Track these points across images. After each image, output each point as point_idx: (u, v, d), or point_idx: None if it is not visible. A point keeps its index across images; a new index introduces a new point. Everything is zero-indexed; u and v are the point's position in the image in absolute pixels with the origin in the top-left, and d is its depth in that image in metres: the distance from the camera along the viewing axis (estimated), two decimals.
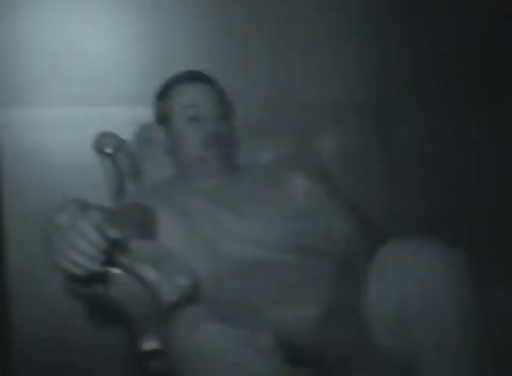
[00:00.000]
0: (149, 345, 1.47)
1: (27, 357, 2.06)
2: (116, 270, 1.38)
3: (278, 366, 1.37)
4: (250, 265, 1.75)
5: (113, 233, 1.19)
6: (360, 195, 2.11)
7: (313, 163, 2.13)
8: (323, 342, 1.58)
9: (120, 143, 2.04)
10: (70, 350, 2.05)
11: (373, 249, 1.60)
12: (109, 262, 1.24)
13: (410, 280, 1.47)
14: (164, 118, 1.95)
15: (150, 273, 1.42)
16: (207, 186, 1.91)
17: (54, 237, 1.17)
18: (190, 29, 2.27)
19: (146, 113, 2.01)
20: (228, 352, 1.32)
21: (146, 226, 1.67)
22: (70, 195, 1.82)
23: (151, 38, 2.26)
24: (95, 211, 1.17)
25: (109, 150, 2.02)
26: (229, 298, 1.68)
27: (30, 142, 2.15)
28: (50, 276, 1.82)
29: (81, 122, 2.15)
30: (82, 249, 1.15)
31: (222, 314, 1.48)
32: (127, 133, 2.08)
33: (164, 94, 1.96)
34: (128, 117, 2.12)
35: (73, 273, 1.19)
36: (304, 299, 1.65)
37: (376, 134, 2.34)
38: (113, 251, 1.25)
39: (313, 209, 1.93)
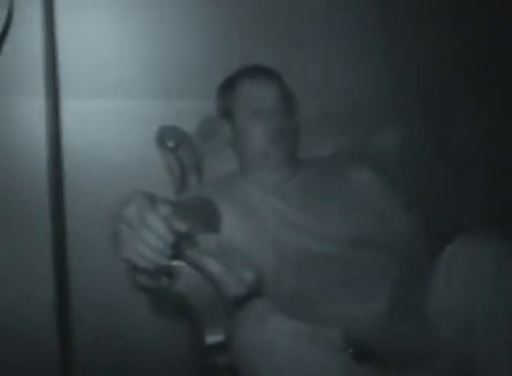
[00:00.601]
0: (214, 338, 1.47)
1: (89, 350, 2.08)
2: (181, 264, 1.39)
3: (345, 362, 1.36)
4: (313, 259, 1.74)
5: (181, 227, 1.19)
6: (421, 193, 2.09)
7: (375, 159, 2.12)
8: (386, 339, 1.57)
9: (182, 137, 2.05)
10: (133, 344, 2.07)
11: (436, 248, 1.58)
12: (176, 255, 1.25)
13: (478, 281, 1.45)
14: (227, 112, 1.96)
15: (215, 267, 1.42)
16: (269, 180, 1.91)
17: (122, 230, 1.18)
18: (254, 23, 2.27)
19: (208, 106, 2.02)
20: (296, 346, 1.32)
21: (209, 220, 1.68)
22: (131, 189, 1.86)
23: (214, 31, 2.26)
24: (163, 204, 1.18)
25: (171, 144, 2.03)
26: (292, 293, 1.68)
27: (92, 135, 2.18)
28: (113, 270, 1.85)
29: (144, 116, 2.16)
30: (150, 242, 1.15)
31: (285, 308, 1.48)
32: (189, 127, 2.09)
33: (227, 88, 1.97)
34: (190, 110, 2.13)
35: (140, 266, 1.20)
36: (367, 294, 1.64)
37: (437, 132, 2.31)
38: (179, 245, 1.25)
39: (375, 204, 1.92)
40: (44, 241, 2.10)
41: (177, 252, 1.26)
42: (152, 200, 1.18)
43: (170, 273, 1.37)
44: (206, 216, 1.67)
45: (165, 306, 1.77)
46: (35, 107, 2.13)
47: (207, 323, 1.50)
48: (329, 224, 1.83)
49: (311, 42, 2.32)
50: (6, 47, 2.15)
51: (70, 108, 2.16)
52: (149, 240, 1.15)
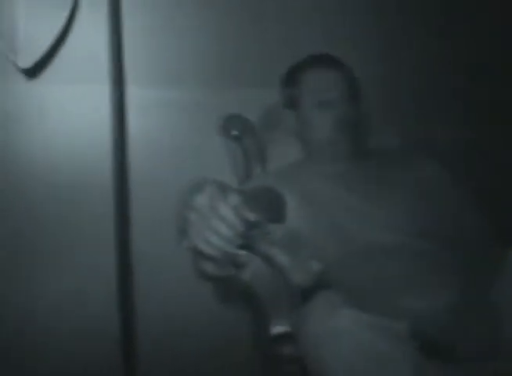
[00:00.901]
0: (279, 329, 1.48)
1: (152, 339, 2.10)
2: (249, 253, 1.39)
3: (412, 355, 1.35)
4: (379, 250, 1.73)
5: (251, 216, 1.19)
6: (485, 188, 2.06)
7: (440, 151, 2.09)
8: (454, 333, 1.55)
9: (246, 126, 2.05)
10: (197, 333, 2.08)
11: (504, 245, 1.55)
12: (245, 245, 1.24)
13: None
14: (292, 102, 1.95)
15: (282, 257, 1.42)
16: (335, 170, 1.90)
17: (191, 218, 1.18)
18: (319, 11, 2.25)
19: (273, 95, 2.00)
20: (364, 339, 1.31)
21: (274, 209, 1.68)
22: (194, 177, 1.86)
23: (278, 20, 2.25)
24: (234, 193, 1.18)
25: (235, 133, 2.03)
26: (357, 284, 1.66)
27: (156, 123, 2.19)
28: (177, 258, 1.86)
29: (208, 104, 2.17)
30: (220, 231, 1.15)
31: (351, 300, 1.47)
32: (253, 115, 2.08)
33: (292, 77, 1.96)
34: (254, 99, 2.12)
35: (208, 255, 1.20)
36: (435, 287, 1.62)
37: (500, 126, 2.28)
38: (249, 234, 1.25)
39: (441, 196, 1.89)
40: (107, 229, 2.12)
41: (246, 242, 1.26)
42: (223, 188, 1.18)
43: (237, 263, 1.37)
44: (271, 205, 1.67)
45: (230, 296, 1.77)
46: (101, 95, 2.16)
47: (272, 313, 1.50)
48: (395, 214, 1.80)
49: None
50: (73, 36, 2.18)
51: (135, 96, 2.17)
52: (220, 228, 1.15)
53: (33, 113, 2.19)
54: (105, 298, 2.10)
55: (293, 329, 1.45)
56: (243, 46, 2.24)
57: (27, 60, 2.15)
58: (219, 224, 1.15)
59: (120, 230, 2.11)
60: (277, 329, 1.48)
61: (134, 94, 2.18)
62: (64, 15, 2.17)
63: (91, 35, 2.19)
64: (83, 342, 2.10)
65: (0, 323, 2.08)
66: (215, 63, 2.23)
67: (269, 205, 1.65)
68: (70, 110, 2.18)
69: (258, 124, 2.11)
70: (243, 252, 1.35)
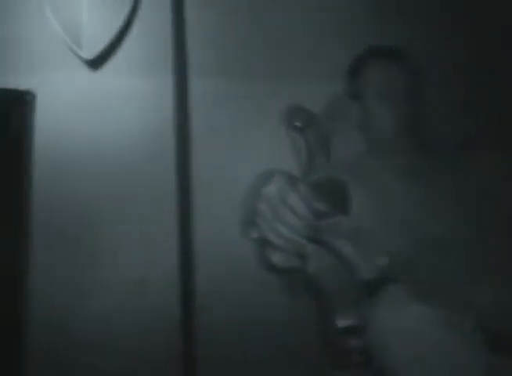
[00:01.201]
0: (345, 321, 1.47)
1: (213, 330, 2.11)
2: (316, 245, 1.39)
3: (480, 349, 1.34)
4: (443, 243, 1.71)
5: (320, 208, 1.19)
6: None
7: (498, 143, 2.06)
8: None
9: (309, 117, 2.05)
10: (260, 324, 2.07)
11: None
12: (314, 236, 1.24)
13: None
14: (355, 94, 1.93)
15: (348, 249, 1.42)
16: (398, 162, 1.88)
17: (260, 209, 1.18)
18: (381, 3, 2.24)
19: (336, 87, 1.99)
20: (433, 333, 1.30)
21: (340, 201, 1.67)
22: (257, 168, 1.86)
23: (340, 12, 2.24)
24: (303, 184, 1.18)
25: (299, 124, 2.02)
26: (424, 278, 1.65)
27: (219, 114, 2.20)
28: (239, 249, 1.87)
29: (271, 96, 2.17)
30: (290, 222, 1.15)
31: (418, 294, 1.46)
32: (316, 107, 2.07)
33: (355, 69, 1.94)
34: (318, 91, 2.11)
35: (277, 246, 1.20)
36: (500, 281, 1.60)
37: None
38: (318, 226, 1.25)
39: (502, 189, 1.86)
40: (169, 219, 2.13)
41: (313, 233, 1.25)
42: (291, 179, 1.18)
43: (304, 254, 1.37)
44: (337, 197, 1.66)
45: (295, 287, 1.77)
46: (164, 86, 2.17)
47: (338, 306, 1.49)
48: (459, 208, 1.78)
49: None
50: (136, 28, 2.20)
51: (197, 87, 2.18)
52: (289, 219, 1.15)
53: (96, 104, 2.21)
54: (166, 289, 2.11)
55: (359, 322, 1.44)
56: (307, 38, 2.23)
57: (91, 52, 2.19)
58: (289, 215, 1.15)
59: (182, 221, 2.13)
60: (344, 322, 1.48)
61: (196, 85, 2.19)
62: (127, 6, 2.19)
63: (153, 26, 2.21)
64: (143, 333, 2.10)
65: (60, 316, 2.09)
66: (279, 55, 2.23)
67: (335, 197, 1.64)
68: (133, 101, 2.20)
69: (322, 116, 2.10)
70: (310, 243, 1.35)
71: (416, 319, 1.31)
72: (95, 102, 2.20)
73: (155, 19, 2.22)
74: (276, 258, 1.35)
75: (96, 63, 2.20)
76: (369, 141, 1.96)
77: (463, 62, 2.30)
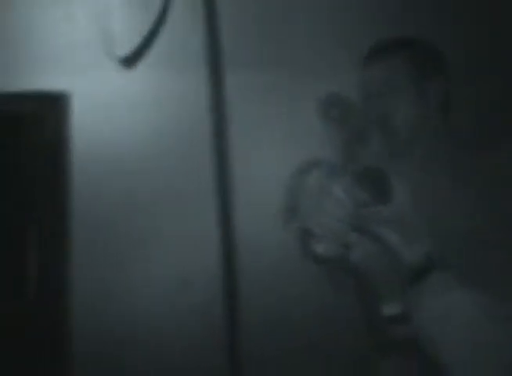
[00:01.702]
0: (391, 310, 1.47)
1: (257, 320, 2.11)
2: (359, 233, 1.39)
3: None
4: (484, 233, 1.70)
5: (362, 197, 1.19)
6: None
7: None
8: None
9: (346, 107, 2.04)
10: (303, 314, 2.08)
11: None
12: (356, 225, 1.25)
13: None
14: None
15: (393, 237, 1.41)
16: (430, 154, 1.87)
17: (302, 199, 1.19)
18: None
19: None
20: (479, 321, 1.29)
21: (381, 190, 1.67)
22: (298, 160, 1.87)
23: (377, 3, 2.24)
24: (345, 173, 1.18)
25: (335, 114, 2.02)
26: (470, 264, 1.64)
27: (254, 107, 2.20)
28: (281, 239, 1.88)
29: (307, 86, 2.16)
30: (332, 212, 1.16)
31: (463, 281, 1.45)
32: (353, 97, 2.07)
33: (365, 62, 1.93)
34: (354, 81, 2.10)
35: (320, 236, 1.21)
36: None
37: None
38: (360, 215, 1.25)
39: None
40: (210, 213, 2.15)
41: (358, 222, 1.26)
42: (334, 170, 1.19)
43: (347, 244, 1.37)
44: (379, 186, 1.66)
45: (339, 277, 1.77)
46: (199, 81, 2.18)
47: (384, 294, 1.49)
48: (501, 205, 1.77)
49: None
50: (168, 24, 2.21)
51: (232, 81, 2.19)
52: (332, 209, 1.16)
53: (131, 101, 2.22)
54: (209, 284, 2.12)
55: (406, 310, 1.44)
56: (345, 27, 2.23)
57: (124, 50, 2.20)
58: (331, 204, 1.15)
59: (223, 214, 2.13)
60: (390, 310, 1.48)
61: (231, 78, 2.19)
62: (159, 3, 2.20)
63: (186, 22, 2.22)
64: (187, 328, 2.12)
65: (103, 313, 2.12)
66: (315, 45, 2.22)
67: (377, 186, 1.64)
68: (168, 97, 2.21)
69: (358, 106, 2.09)
70: (353, 233, 1.35)
71: (464, 306, 1.30)
72: (129, 99, 2.22)
73: (187, 14, 2.23)
74: (320, 249, 1.35)
75: (130, 60, 2.21)
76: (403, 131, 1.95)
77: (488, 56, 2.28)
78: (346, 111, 2.01)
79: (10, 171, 2.18)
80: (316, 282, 1.95)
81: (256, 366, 2.09)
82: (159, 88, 2.23)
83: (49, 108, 2.19)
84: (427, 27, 2.12)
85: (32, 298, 2.11)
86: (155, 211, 2.17)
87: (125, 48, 2.20)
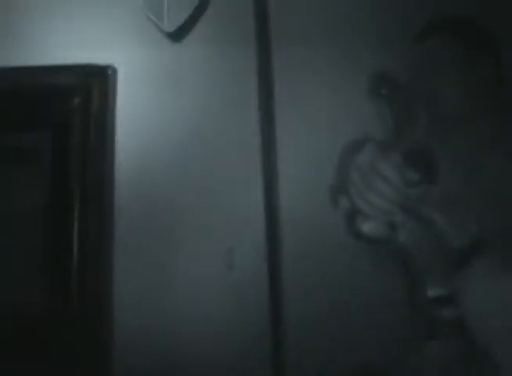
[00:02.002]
0: (437, 291, 1.46)
1: (299, 301, 2.11)
2: (407, 213, 1.38)
3: None
4: None
5: (412, 176, 1.18)
6: None
7: None
8: None
9: (396, 85, 2.02)
10: (348, 295, 2.07)
11: None
12: (405, 204, 1.24)
13: None
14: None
15: (440, 218, 1.40)
16: (484, 128, 1.84)
17: (352, 178, 1.18)
18: None
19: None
20: None
21: (430, 170, 1.65)
22: (340, 137, 1.85)
23: None
24: (394, 152, 1.17)
25: (384, 92, 2.00)
26: None
27: (303, 84, 2.19)
28: (327, 217, 1.87)
29: (355, 63, 2.14)
30: (382, 191, 1.15)
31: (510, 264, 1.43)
32: (403, 74, 2.04)
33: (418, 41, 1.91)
34: (404, 58, 2.08)
35: (368, 215, 1.20)
36: None
37: None
38: (409, 194, 1.24)
39: None
40: (255, 190, 2.15)
41: (405, 201, 1.25)
42: (383, 148, 1.17)
43: (394, 224, 1.36)
44: (427, 165, 1.64)
45: (385, 257, 1.76)
46: (246, 57, 2.18)
47: (429, 276, 1.48)
48: None
49: None
50: None
51: (281, 57, 2.18)
52: (381, 188, 1.15)
53: (178, 76, 2.23)
54: (254, 261, 2.13)
55: (451, 292, 1.43)
56: (394, 5, 2.19)
57: (173, 24, 2.20)
58: (380, 183, 1.15)
59: (268, 191, 2.13)
60: (435, 292, 1.46)
61: (280, 54, 2.18)
62: None
63: None
64: (232, 305, 2.13)
65: (147, 289, 2.14)
66: (364, 21, 2.20)
67: (426, 165, 1.62)
68: (216, 72, 2.21)
69: (408, 83, 2.07)
70: (401, 213, 1.34)
71: (509, 289, 1.29)
72: (177, 74, 2.22)
73: None
74: (366, 228, 1.34)
75: (178, 35, 2.22)
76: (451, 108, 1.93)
77: None
78: (396, 88, 1.98)
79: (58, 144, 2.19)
80: (361, 261, 1.95)
81: (299, 341, 2.09)
82: (205, 63, 2.22)
83: (96, 82, 2.19)
84: (480, 5, 2.07)
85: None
86: (201, 186, 2.18)
87: (174, 22, 2.19)
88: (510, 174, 1.74)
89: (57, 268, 2.13)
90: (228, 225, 2.15)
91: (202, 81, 2.21)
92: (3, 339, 2.05)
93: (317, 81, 2.18)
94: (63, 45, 2.21)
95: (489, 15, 1.92)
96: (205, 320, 2.12)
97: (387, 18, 2.19)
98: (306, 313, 2.10)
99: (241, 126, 2.18)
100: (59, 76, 2.19)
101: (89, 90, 2.19)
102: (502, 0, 2.19)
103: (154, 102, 2.22)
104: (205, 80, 2.21)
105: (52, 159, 2.18)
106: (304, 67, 2.18)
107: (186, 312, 2.13)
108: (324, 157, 2.04)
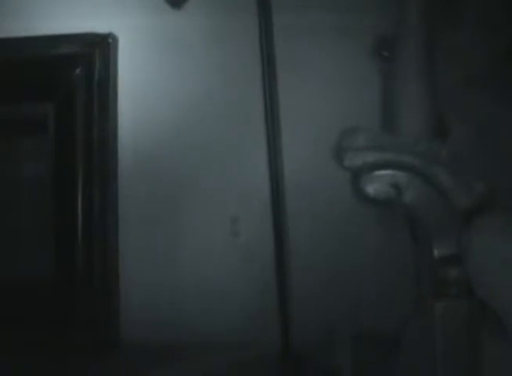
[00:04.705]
0: (443, 251, 1.45)
1: (304, 262, 2.10)
2: (412, 173, 1.37)
3: None
4: None
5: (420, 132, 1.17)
6: None
7: None
8: None
9: (398, 47, 2.00)
10: (358, 256, 2.06)
11: None
12: (409, 163, 1.23)
13: None
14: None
15: (445, 177, 1.40)
16: (494, 89, 1.83)
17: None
18: None
19: None
20: None
21: (437, 128, 1.64)
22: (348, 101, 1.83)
23: None
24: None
25: (386, 54, 1.99)
26: None
27: (305, 51, 2.16)
28: (331, 179, 1.86)
29: (356, 27, 2.12)
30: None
31: None
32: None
33: None
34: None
35: (371, 176, 1.19)
36: None
37: None
38: (414, 151, 1.23)
39: None
40: (259, 155, 2.15)
41: (412, 160, 1.24)
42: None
43: (398, 184, 1.35)
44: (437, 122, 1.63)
45: (391, 218, 1.75)
46: (247, 24, 2.16)
47: (435, 235, 1.47)
48: None
49: None
50: None
51: (281, 23, 2.16)
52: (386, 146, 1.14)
53: (179, 44, 2.21)
54: (259, 226, 2.13)
55: (458, 251, 1.43)
56: None
57: None
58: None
59: (272, 155, 2.13)
60: (442, 251, 1.46)
61: (280, 21, 2.15)
62: None
63: None
64: (237, 270, 2.13)
65: (155, 255, 2.14)
66: None
67: (434, 123, 1.61)
68: (217, 40, 2.19)
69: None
70: (406, 173, 1.33)
71: None
72: (178, 40, 2.20)
73: None
74: (371, 189, 1.33)
75: (178, 1, 2.18)
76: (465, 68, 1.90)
77: None
78: (397, 51, 1.97)
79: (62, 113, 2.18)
80: (367, 223, 1.94)
81: (305, 305, 2.10)
82: (206, 28, 2.20)
83: (98, 50, 2.18)
84: None
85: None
86: (204, 150, 2.17)
87: None
88: None
89: (63, 237, 2.14)
90: (232, 191, 2.15)
91: (203, 47, 2.19)
92: (9, 307, 2.07)
93: (318, 44, 2.16)
94: (63, 14, 2.18)
95: None
96: (211, 286, 2.13)
97: None
98: (312, 277, 2.10)
99: (243, 91, 2.17)
100: (60, 46, 2.17)
101: (91, 59, 2.17)
102: None
103: (156, 69, 2.21)
104: (206, 46, 2.19)
105: (56, 128, 2.17)
106: (304, 32, 2.15)
107: (192, 280, 2.14)
108: (327, 121, 2.04)
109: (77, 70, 2.16)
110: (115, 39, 2.19)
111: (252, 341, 2.05)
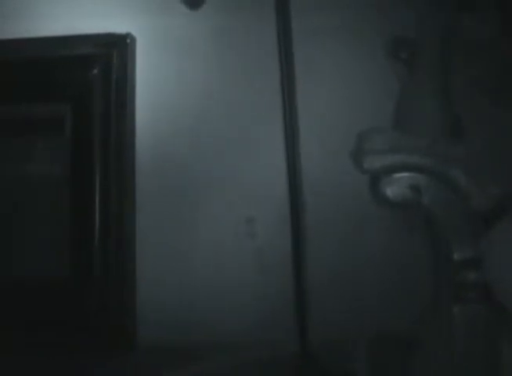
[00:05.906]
0: (462, 254, 1.45)
1: (321, 261, 2.11)
2: (430, 176, 1.36)
3: None
4: None
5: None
6: None
7: None
8: None
9: (415, 48, 2.00)
10: (375, 259, 2.05)
11: None
12: (428, 167, 1.22)
13: None
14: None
15: (462, 179, 1.39)
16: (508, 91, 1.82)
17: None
18: None
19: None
20: None
21: (453, 130, 1.63)
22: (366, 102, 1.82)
23: None
24: None
25: (404, 55, 1.98)
26: None
27: (321, 50, 2.16)
28: (350, 182, 1.86)
29: (373, 28, 2.11)
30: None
31: None
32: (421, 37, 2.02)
33: None
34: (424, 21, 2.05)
35: (390, 179, 1.18)
36: None
37: None
38: (430, 152, 1.22)
39: None
40: (278, 154, 2.14)
41: (430, 162, 1.23)
42: None
43: (418, 187, 1.35)
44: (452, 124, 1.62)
45: (410, 221, 1.75)
46: (266, 24, 2.16)
47: (454, 239, 1.47)
48: None
49: None
50: None
51: (300, 23, 2.16)
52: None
53: (196, 44, 2.21)
54: (276, 226, 2.12)
55: (476, 255, 1.42)
56: None
57: None
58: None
59: (290, 155, 2.12)
60: (460, 254, 1.45)
61: (299, 21, 2.15)
62: None
63: None
64: (255, 270, 2.12)
65: (169, 254, 2.14)
66: None
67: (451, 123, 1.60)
68: (234, 40, 2.19)
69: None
70: (425, 176, 1.33)
71: None
72: (195, 41, 2.20)
73: None
74: (390, 192, 1.33)
75: (195, 3, 2.19)
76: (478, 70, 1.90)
77: None
78: (415, 53, 1.96)
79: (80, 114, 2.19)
80: (385, 224, 1.93)
81: (321, 305, 2.08)
82: (224, 29, 2.20)
83: (116, 50, 2.18)
84: None
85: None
86: (223, 152, 2.17)
87: None
88: None
89: (80, 236, 2.14)
90: (249, 192, 2.15)
91: (220, 48, 2.20)
92: (25, 303, 2.08)
93: (336, 46, 2.16)
94: (81, 15, 2.20)
95: None
96: (227, 286, 2.12)
97: None
98: (330, 278, 2.09)
99: (261, 92, 2.17)
100: (78, 46, 2.18)
101: (109, 59, 2.18)
102: None
103: (173, 69, 2.21)
104: (224, 47, 2.19)
105: (74, 129, 2.18)
106: (321, 31, 2.15)
107: (207, 279, 2.13)
108: (345, 122, 2.04)
109: (95, 71, 2.17)
110: (133, 39, 2.20)
111: (269, 341, 2.05)
